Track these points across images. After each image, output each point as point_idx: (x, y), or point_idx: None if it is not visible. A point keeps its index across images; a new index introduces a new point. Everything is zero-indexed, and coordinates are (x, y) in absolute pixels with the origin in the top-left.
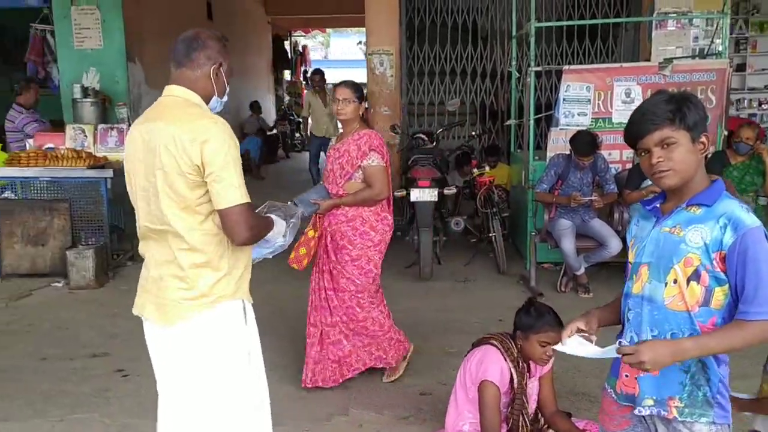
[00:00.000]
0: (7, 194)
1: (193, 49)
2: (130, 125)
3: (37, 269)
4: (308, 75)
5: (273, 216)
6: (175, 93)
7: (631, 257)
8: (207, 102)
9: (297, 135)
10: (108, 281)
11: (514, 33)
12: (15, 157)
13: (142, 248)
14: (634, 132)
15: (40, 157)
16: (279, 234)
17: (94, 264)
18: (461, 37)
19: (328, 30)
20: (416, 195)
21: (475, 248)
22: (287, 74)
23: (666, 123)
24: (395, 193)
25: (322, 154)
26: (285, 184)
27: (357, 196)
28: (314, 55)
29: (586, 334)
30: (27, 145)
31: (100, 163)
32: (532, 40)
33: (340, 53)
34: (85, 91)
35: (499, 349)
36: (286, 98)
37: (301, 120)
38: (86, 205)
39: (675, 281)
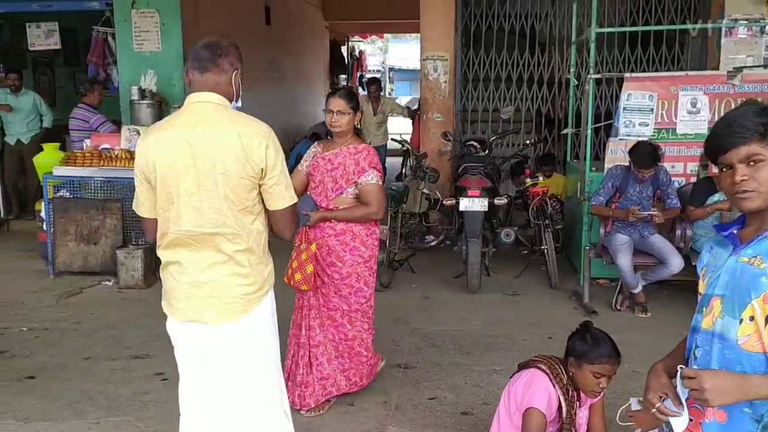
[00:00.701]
0: (63, 193)
1: (218, 55)
2: None
3: (89, 267)
4: (364, 81)
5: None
6: (207, 99)
7: (701, 288)
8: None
9: None
10: (156, 282)
11: (573, 39)
12: (71, 156)
13: (172, 255)
14: (717, 144)
15: (95, 157)
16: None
17: (143, 264)
18: (518, 43)
19: (387, 35)
20: (466, 204)
21: (526, 260)
22: (343, 79)
23: (755, 138)
24: (445, 202)
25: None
26: None
27: (352, 212)
28: (372, 60)
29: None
30: (84, 146)
31: None
32: (593, 45)
33: (398, 59)
34: (143, 93)
35: (547, 374)
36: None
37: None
38: None
39: (752, 318)
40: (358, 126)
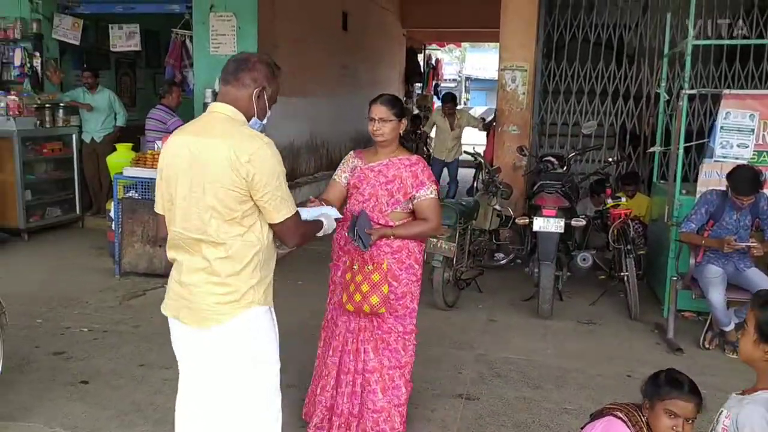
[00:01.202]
0: (132, 193)
1: (241, 69)
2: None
3: (154, 269)
4: (439, 89)
5: (320, 212)
6: (219, 110)
7: None
8: (248, 121)
9: (424, 149)
10: None
11: (665, 51)
12: (141, 157)
13: (172, 254)
14: None
15: None
16: (331, 227)
17: None
18: (604, 55)
19: (464, 44)
20: (539, 224)
21: (603, 286)
22: (418, 87)
23: None
24: (517, 220)
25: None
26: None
27: (412, 229)
28: (449, 69)
29: None
30: (156, 146)
31: None
32: (688, 59)
33: (475, 69)
34: (216, 96)
35: (624, 422)
36: (415, 111)
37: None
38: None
39: None
40: (426, 132)
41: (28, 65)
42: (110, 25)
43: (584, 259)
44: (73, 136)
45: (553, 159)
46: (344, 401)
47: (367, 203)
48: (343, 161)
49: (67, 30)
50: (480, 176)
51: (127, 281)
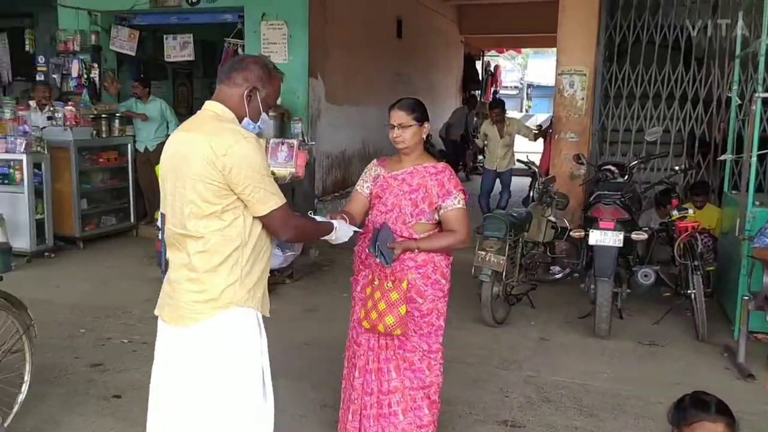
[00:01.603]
0: None
1: (234, 69)
2: (303, 141)
3: None
4: (497, 96)
5: (335, 222)
6: (209, 108)
7: None
8: (240, 121)
9: (480, 157)
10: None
11: (737, 52)
12: None
13: (168, 253)
14: None
15: None
16: (345, 235)
17: None
18: (671, 57)
19: (527, 51)
20: (596, 238)
21: (668, 304)
22: (477, 95)
23: None
24: (572, 233)
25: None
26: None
27: (438, 241)
28: (510, 76)
29: None
30: None
31: None
32: (762, 60)
33: (538, 75)
34: None
35: None
36: (474, 120)
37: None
38: None
39: None
40: (478, 145)
41: (86, 76)
42: (165, 36)
43: (645, 276)
44: (128, 146)
45: (613, 168)
46: (371, 424)
47: (390, 214)
48: (365, 170)
49: (124, 41)
50: (535, 186)
51: None
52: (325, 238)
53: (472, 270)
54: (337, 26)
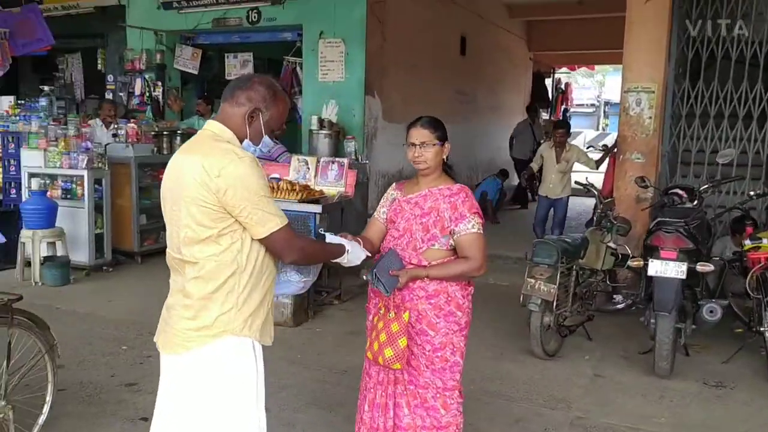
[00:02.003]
0: None
1: (238, 87)
2: (357, 160)
3: None
4: (568, 115)
5: (348, 244)
6: (210, 127)
7: None
8: (240, 143)
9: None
10: (306, 320)
11: None
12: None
13: (171, 277)
14: None
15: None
16: (358, 258)
17: (292, 301)
18: (749, 73)
19: (605, 67)
20: (656, 268)
21: (740, 340)
22: (543, 114)
23: None
24: (630, 263)
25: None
26: (522, 230)
27: (451, 269)
28: (587, 94)
29: None
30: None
31: (314, 197)
32: None
33: (616, 93)
34: (321, 123)
35: None
36: (543, 140)
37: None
38: None
39: None
40: (532, 169)
41: (148, 94)
42: (226, 54)
43: (711, 312)
44: None
45: (681, 192)
46: None
47: (402, 239)
48: (385, 195)
49: (187, 60)
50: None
51: None
52: (337, 261)
53: (521, 298)
54: (396, 44)
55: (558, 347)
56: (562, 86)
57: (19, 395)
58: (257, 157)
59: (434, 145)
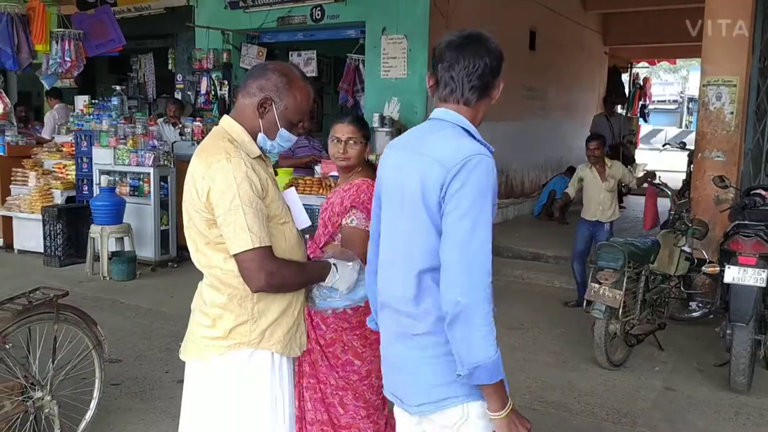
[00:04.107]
0: None
1: (250, 77)
2: None
3: None
4: (646, 111)
5: (333, 259)
6: (221, 123)
7: None
8: (254, 137)
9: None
10: None
11: None
12: (293, 182)
13: None
14: None
15: (315, 185)
16: (345, 278)
17: None
18: None
19: (689, 62)
20: (733, 275)
21: None
22: (620, 109)
23: None
24: (704, 269)
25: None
26: (625, 226)
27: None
28: (669, 90)
29: None
30: (315, 172)
31: None
32: None
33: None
34: (382, 120)
35: None
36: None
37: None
38: None
39: None
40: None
41: (213, 93)
42: (290, 53)
43: None
44: None
45: (764, 192)
46: None
47: (313, 237)
48: None
49: (253, 59)
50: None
51: None
52: (326, 284)
53: (584, 304)
54: None
55: (625, 357)
56: (640, 81)
57: (68, 390)
58: (278, 154)
59: (360, 143)
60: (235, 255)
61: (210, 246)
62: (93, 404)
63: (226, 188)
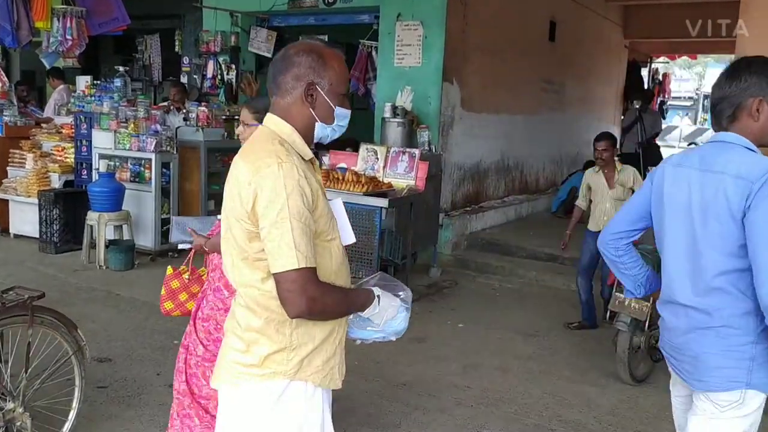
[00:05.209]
0: None
1: (279, 72)
2: (430, 150)
3: None
4: (665, 108)
5: (378, 290)
6: (267, 123)
7: None
8: (309, 132)
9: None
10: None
11: None
12: None
13: None
14: None
15: (322, 178)
16: (384, 312)
17: None
18: None
19: (706, 59)
20: None
21: None
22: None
23: None
24: None
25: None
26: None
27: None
28: (685, 86)
29: None
30: (322, 164)
31: (382, 190)
32: None
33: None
34: (395, 111)
35: None
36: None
37: None
38: (358, 235)
39: None
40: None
41: (220, 77)
42: (300, 37)
43: None
44: None
45: None
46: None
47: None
48: None
49: (262, 43)
50: None
51: None
52: (363, 315)
53: (606, 315)
54: (479, 27)
55: (648, 372)
56: (660, 77)
57: (45, 400)
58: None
59: (252, 125)
60: (275, 274)
61: (247, 262)
62: (72, 415)
63: (275, 197)
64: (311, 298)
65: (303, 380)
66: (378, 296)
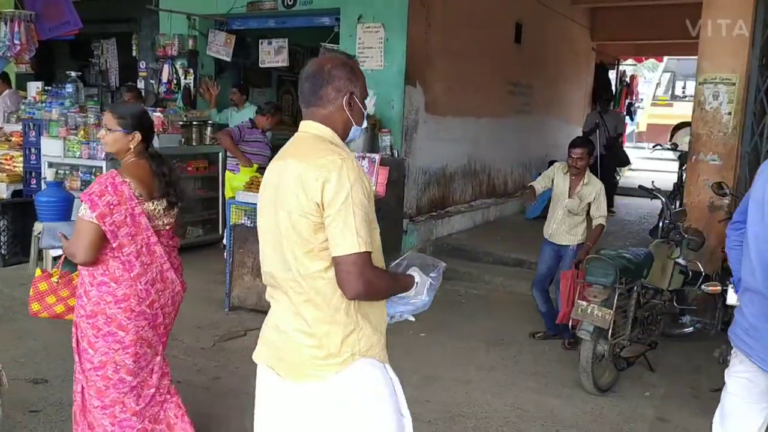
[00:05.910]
0: (245, 221)
1: (319, 86)
2: (392, 155)
3: (262, 306)
4: (633, 110)
5: (414, 272)
6: (306, 128)
7: None
8: (346, 134)
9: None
10: None
11: None
12: (256, 180)
13: (268, 292)
14: None
15: None
16: (420, 293)
17: None
18: None
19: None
20: (736, 297)
21: None
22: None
23: None
24: (704, 287)
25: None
26: (612, 230)
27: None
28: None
29: None
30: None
31: None
32: None
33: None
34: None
35: None
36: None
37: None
38: None
39: None
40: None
41: (176, 81)
42: (260, 41)
43: None
44: (219, 155)
45: None
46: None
47: None
48: None
49: (220, 46)
50: (664, 217)
51: (233, 317)
52: (402, 297)
53: (570, 323)
54: (442, 30)
55: (613, 381)
56: (627, 79)
57: None
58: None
59: (116, 130)
60: (336, 257)
61: (311, 254)
62: None
63: (340, 189)
64: (368, 281)
65: (372, 357)
66: (417, 283)
